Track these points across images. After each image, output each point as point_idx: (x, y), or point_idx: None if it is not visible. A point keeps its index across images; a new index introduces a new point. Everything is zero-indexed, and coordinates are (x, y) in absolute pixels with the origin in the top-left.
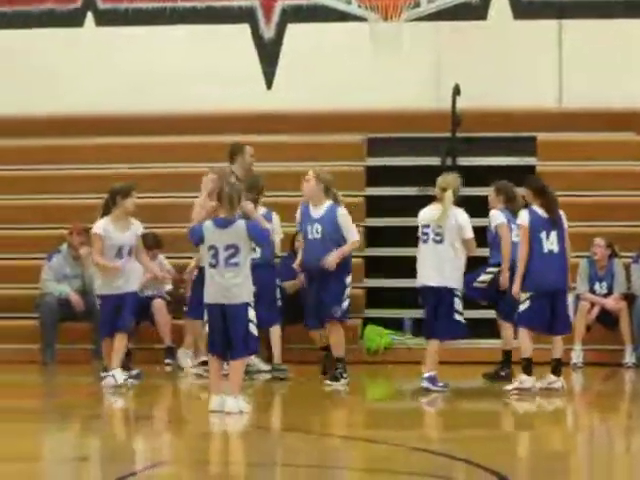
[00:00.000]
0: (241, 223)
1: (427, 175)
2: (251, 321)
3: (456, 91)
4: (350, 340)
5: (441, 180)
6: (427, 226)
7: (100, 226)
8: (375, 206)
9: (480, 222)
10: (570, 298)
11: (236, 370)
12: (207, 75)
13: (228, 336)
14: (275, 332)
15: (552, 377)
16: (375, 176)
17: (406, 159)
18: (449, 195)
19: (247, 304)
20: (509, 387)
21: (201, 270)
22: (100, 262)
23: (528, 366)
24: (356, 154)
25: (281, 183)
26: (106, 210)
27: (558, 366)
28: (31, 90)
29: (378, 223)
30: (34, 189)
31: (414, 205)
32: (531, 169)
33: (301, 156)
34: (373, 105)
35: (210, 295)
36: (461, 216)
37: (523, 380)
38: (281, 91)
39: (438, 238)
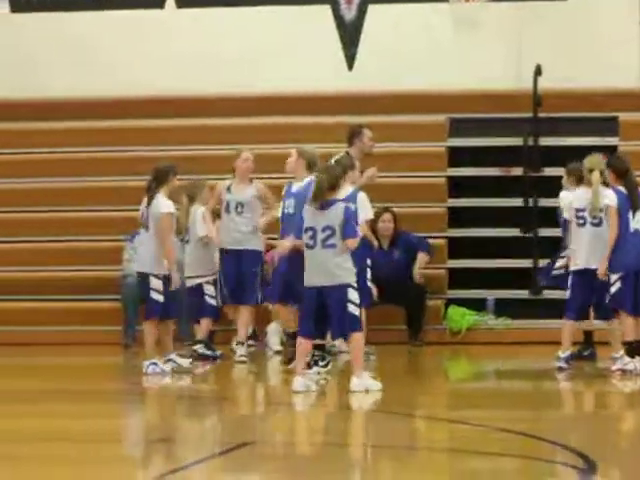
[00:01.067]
0: (340, 206)
1: (509, 155)
2: (351, 302)
3: (537, 71)
4: (433, 321)
5: (587, 161)
6: (582, 210)
7: (170, 205)
8: (457, 187)
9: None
10: None
11: (355, 349)
12: (288, 56)
13: (327, 318)
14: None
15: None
16: (457, 156)
17: (488, 139)
18: (596, 176)
19: (347, 285)
20: (613, 367)
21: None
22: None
23: (631, 348)
24: (438, 135)
25: (362, 164)
26: (152, 189)
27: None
28: (118, 72)
29: (460, 204)
30: (118, 171)
31: (496, 186)
32: (613, 149)
33: (382, 137)
34: (454, 85)
35: (308, 277)
36: (608, 197)
37: (626, 362)
38: (362, 72)
39: (596, 221)
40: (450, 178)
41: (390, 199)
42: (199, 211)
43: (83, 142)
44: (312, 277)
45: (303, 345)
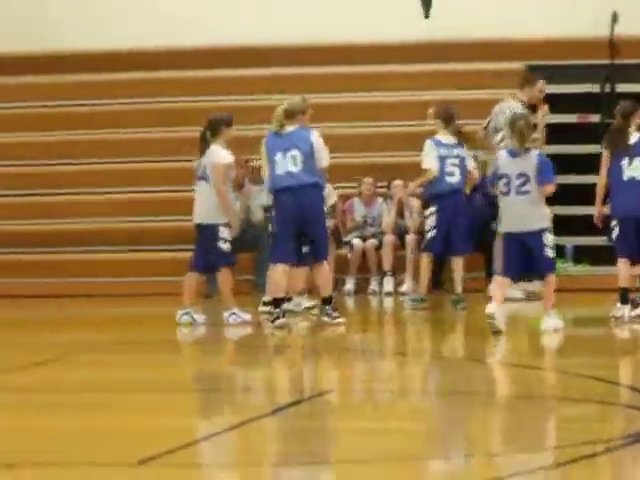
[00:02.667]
0: (533, 153)
1: (586, 102)
2: (547, 245)
3: (614, 18)
4: None
5: None
6: None
7: (227, 155)
8: None
9: None
10: None
11: (548, 290)
12: (364, 4)
13: (527, 261)
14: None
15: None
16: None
17: (565, 86)
18: None
19: (543, 229)
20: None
21: None
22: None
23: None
24: (516, 81)
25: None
26: (205, 140)
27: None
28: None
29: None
30: (190, 121)
31: (573, 132)
32: None
33: (459, 84)
34: (532, 32)
35: (506, 224)
36: None
37: (618, 308)
38: (439, 19)
39: None
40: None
41: (469, 146)
42: None
43: (156, 93)
44: (509, 224)
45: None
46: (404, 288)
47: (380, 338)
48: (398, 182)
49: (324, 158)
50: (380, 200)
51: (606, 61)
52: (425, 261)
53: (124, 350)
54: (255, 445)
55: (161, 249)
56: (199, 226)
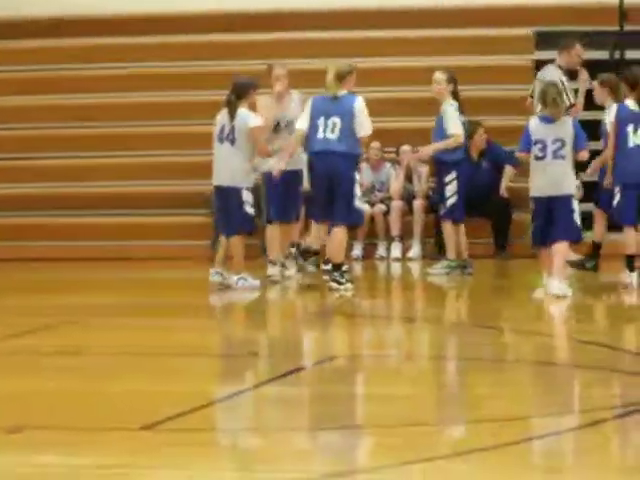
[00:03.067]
0: (568, 120)
1: (594, 69)
2: (574, 211)
3: None
4: (520, 234)
5: None
6: None
7: (258, 118)
8: None
9: None
10: None
11: (559, 254)
12: None
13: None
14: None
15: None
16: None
17: None
18: None
19: (572, 195)
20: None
21: None
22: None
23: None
24: (524, 47)
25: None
26: (232, 103)
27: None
28: None
29: None
30: (202, 85)
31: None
32: None
33: (470, 50)
34: None
35: (538, 188)
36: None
37: (626, 275)
38: None
39: None
40: None
41: (477, 112)
42: None
43: (174, 56)
44: (542, 188)
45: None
46: (412, 254)
47: (388, 304)
48: (406, 147)
49: (364, 127)
50: (388, 165)
51: (616, 28)
52: (448, 228)
53: (136, 313)
54: (261, 411)
55: (171, 213)
56: (221, 189)
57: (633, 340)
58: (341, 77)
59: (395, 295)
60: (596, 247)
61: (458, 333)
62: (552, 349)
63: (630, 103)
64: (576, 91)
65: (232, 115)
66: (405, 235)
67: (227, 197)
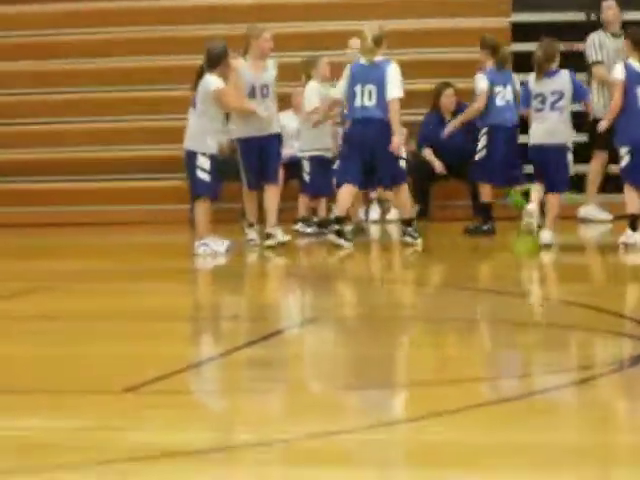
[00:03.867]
0: (566, 73)
1: (572, 31)
2: (568, 163)
3: None
4: (498, 196)
5: None
6: None
7: (220, 81)
8: (521, 63)
9: None
10: None
11: (552, 205)
12: None
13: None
14: None
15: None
16: (520, 32)
17: (551, 14)
18: None
19: (568, 147)
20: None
21: None
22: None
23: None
24: (501, 10)
25: (420, 40)
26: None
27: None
28: None
29: (525, 79)
30: (177, 49)
31: (560, 61)
32: None
33: (446, 13)
34: None
35: (535, 136)
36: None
37: (629, 235)
38: None
39: None
40: (514, 53)
41: (453, 74)
42: (310, 86)
43: (144, 20)
44: (538, 136)
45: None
46: (390, 216)
47: (366, 266)
48: None
49: (395, 90)
50: None
51: None
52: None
53: (115, 278)
54: (239, 373)
55: (149, 177)
56: (185, 152)
57: (617, 301)
58: (378, 41)
59: (374, 257)
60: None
61: (434, 294)
62: (529, 309)
63: (635, 63)
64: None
65: (198, 82)
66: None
67: (187, 161)
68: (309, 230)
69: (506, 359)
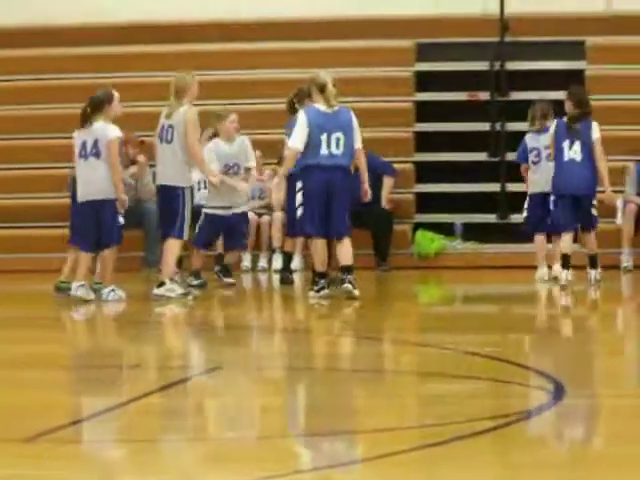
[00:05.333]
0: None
1: (476, 80)
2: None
3: None
4: (401, 246)
5: None
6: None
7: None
8: (424, 112)
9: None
10: (619, 201)
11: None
12: None
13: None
14: None
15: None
16: (424, 81)
17: (455, 64)
18: None
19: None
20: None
21: None
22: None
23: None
24: (405, 59)
25: None
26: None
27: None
28: None
29: (427, 128)
30: (64, 98)
31: (463, 110)
32: (579, 73)
33: (350, 62)
34: (421, 10)
35: (537, 185)
36: None
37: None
38: None
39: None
40: (417, 103)
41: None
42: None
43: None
44: (541, 185)
45: None
46: (293, 265)
47: (271, 315)
48: None
49: (359, 139)
50: (267, 173)
51: (496, 39)
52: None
53: (4, 326)
54: (142, 422)
55: (35, 226)
56: (90, 203)
57: (522, 352)
58: (336, 87)
59: (276, 307)
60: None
61: (338, 344)
62: (433, 359)
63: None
64: None
65: (87, 128)
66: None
67: (96, 210)
68: (195, 283)
69: (408, 409)
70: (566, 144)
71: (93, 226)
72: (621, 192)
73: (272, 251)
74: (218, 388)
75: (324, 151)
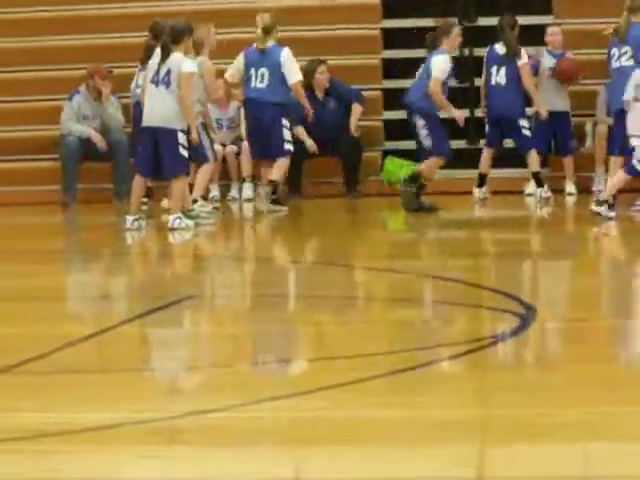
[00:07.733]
0: None
1: (444, 6)
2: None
3: None
4: (370, 173)
5: None
6: None
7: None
8: (392, 38)
9: None
10: (588, 125)
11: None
12: None
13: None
14: None
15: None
16: (392, 7)
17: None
18: None
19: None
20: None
21: None
22: None
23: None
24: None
25: (293, 18)
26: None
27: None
28: None
29: (395, 55)
30: (54, 30)
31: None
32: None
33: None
34: None
35: None
36: None
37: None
38: None
39: None
40: (384, 30)
41: (324, 52)
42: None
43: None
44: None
45: None
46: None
47: (242, 244)
48: None
49: (293, 74)
50: (236, 104)
51: None
52: None
53: None
54: (115, 352)
55: (18, 159)
56: (148, 129)
57: (492, 276)
58: (268, 31)
59: (248, 236)
60: None
61: (308, 271)
62: (403, 285)
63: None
64: None
65: (165, 58)
66: (257, 176)
67: (159, 139)
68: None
69: (378, 335)
70: (494, 69)
71: (151, 152)
72: (592, 116)
73: (242, 180)
74: (186, 318)
75: (252, 84)
